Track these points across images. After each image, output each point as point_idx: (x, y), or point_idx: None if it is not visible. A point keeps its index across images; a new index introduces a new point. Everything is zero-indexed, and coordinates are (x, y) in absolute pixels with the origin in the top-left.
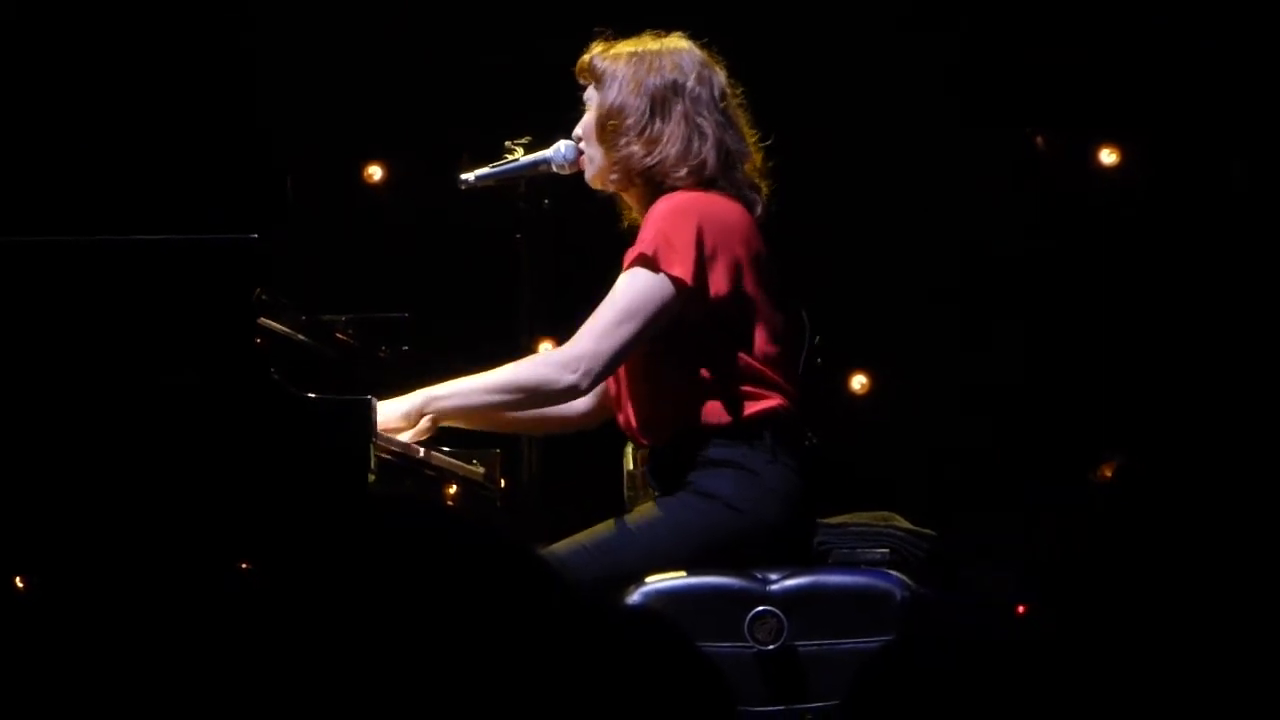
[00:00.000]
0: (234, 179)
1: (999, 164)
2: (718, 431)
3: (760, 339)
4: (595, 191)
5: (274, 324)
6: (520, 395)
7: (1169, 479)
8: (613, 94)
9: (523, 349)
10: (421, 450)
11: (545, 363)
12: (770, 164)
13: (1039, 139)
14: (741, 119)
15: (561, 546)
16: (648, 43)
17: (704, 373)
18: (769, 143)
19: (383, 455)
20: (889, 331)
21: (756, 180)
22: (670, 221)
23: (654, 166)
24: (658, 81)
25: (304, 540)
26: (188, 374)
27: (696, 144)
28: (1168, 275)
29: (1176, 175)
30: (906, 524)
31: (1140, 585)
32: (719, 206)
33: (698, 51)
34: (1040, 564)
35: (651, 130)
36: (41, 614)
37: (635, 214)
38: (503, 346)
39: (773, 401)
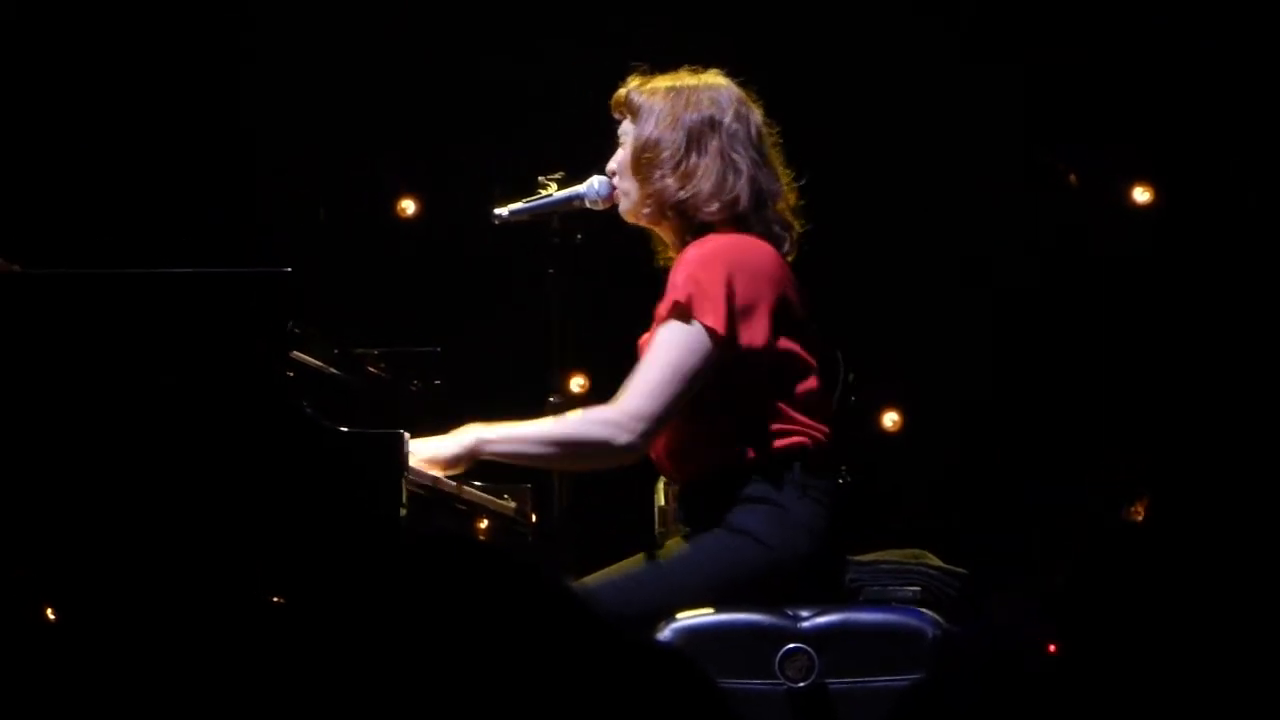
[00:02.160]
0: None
1: (1029, 201)
2: (748, 468)
3: (792, 378)
4: (628, 226)
5: (306, 357)
6: (572, 452)
7: (1201, 514)
8: (649, 127)
9: (554, 384)
10: (453, 484)
11: (600, 421)
12: (803, 202)
13: (1072, 176)
14: (776, 159)
15: (592, 581)
16: (685, 78)
17: (736, 411)
18: (802, 182)
19: (414, 489)
20: (920, 368)
21: (789, 219)
22: (702, 269)
23: (687, 200)
24: (695, 117)
25: (336, 574)
26: (220, 407)
27: (731, 179)
28: (1200, 306)
29: (1196, 202)
30: (938, 562)
31: (1172, 621)
32: (750, 250)
33: (735, 89)
34: (1069, 600)
35: (686, 164)
36: (72, 645)
37: (668, 251)
38: (534, 381)
39: (802, 438)
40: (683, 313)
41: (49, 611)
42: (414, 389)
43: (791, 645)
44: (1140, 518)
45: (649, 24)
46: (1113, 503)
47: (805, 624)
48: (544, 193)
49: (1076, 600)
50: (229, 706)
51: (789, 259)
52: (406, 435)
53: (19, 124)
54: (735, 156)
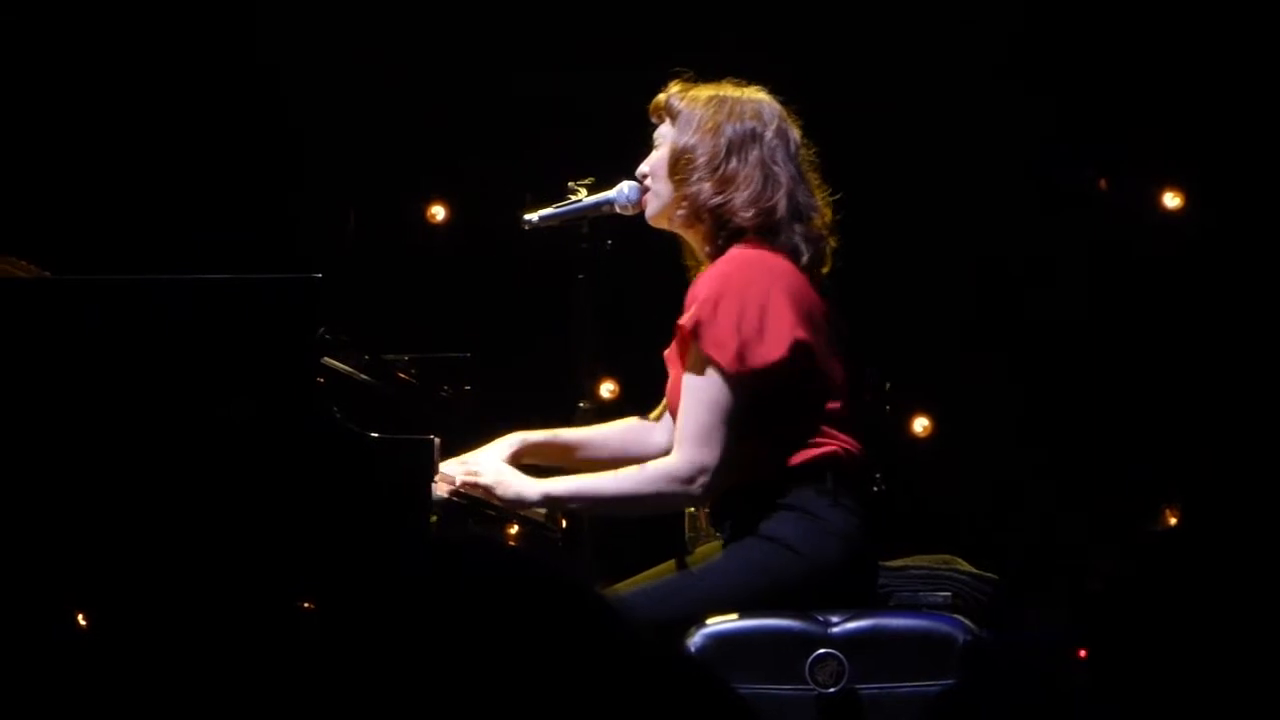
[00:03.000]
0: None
1: (1059, 208)
2: (781, 478)
3: (820, 392)
4: (658, 232)
5: (336, 363)
6: (640, 508)
7: (1230, 524)
8: (689, 132)
9: (583, 390)
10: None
11: (666, 478)
12: (839, 218)
13: (1102, 182)
14: (813, 178)
15: (623, 588)
16: (729, 90)
17: (767, 426)
18: (838, 196)
19: (444, 495)
20: (951, 375)
21: (824, 233)
22: (726, 302)
23: (722, 206)
24: (737, 127)
25: (366, 580)
26: (250, 413)
27: (769, 190)
28: (1230, 316)
29: (1235, 216)
30: (968, 567)
31: (1201, 629)
32: (765, 268)
33: (778, 106)
34: (1100, 606)
35: (725, 170)
36: (103, 651)
37: (695, 257)
38: (564, 387)
39: (833, 447)
40: (701, 358)
41: (80, 618)
42: (444, 395)
43: (822, 650)
44: (1171, 525)
45: (679, 35)
46: (1144, 510)
47: (835, 629)
48: (574, 198)
49: (1108, 606)
50: (258, 711)
51: (825, 271)
52: (436, 441)
53: (53, 131)
54: (775, 169)
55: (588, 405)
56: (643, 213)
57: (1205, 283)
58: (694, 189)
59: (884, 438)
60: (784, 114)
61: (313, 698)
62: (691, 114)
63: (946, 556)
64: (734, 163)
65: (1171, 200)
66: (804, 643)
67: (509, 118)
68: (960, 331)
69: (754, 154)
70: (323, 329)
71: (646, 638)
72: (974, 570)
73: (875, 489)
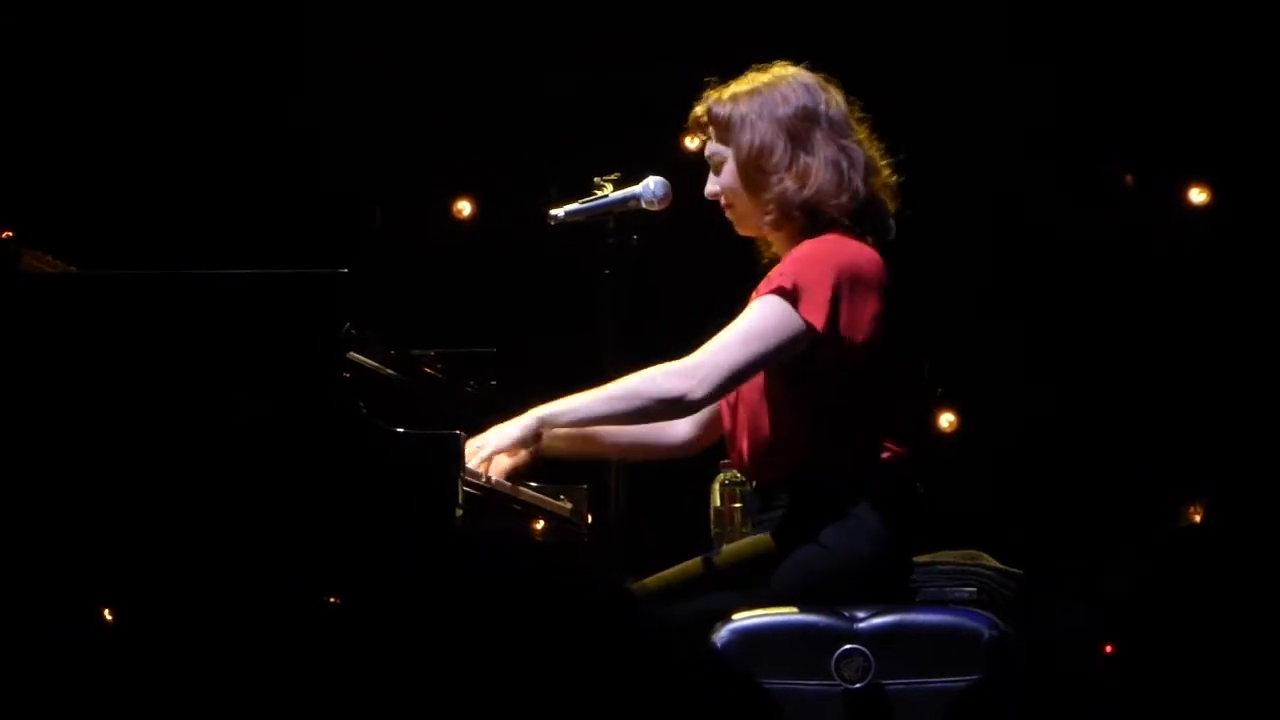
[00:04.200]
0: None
1: (1088, 201)
2: (829, 475)
3: (885, 389)
4: (684, 226)
5: (363, 358)
6: (636, 402)
7: (1257, 520)
8: (748, 136)
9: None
10: (509, 485)
11: (663, 372)
12: (900, 179)
13: (1128, 177)
14: (863, 133)
15: (650, 583)
16: (760, 78)
17: (826, 419)
18: (900, 157)
19: (470, 490)
20: (976, 370)
21: (887, 199)
22: (813, 265)
23: (811, 197)
24: (789, 112)
25: (392, 575)
26: (276, 408)
27: (846, 167)
28: (1257, 311)
29: (1264, 212)
30: (994, 562)
31: (1230, 625)
32: (860, 256)
33: (810, 75)
34: (1127, 602)
35: (799, 163)
36: (129, 645)
37: (776, 251)
38: (589, 383)
39: (886, 452)
40: (786, 295)
41: (106, 613)
42: (470, 390)
43: (848, 646)
44: (1199, 520)
45: (702, 31)
46: (1172, 504)
47: (861, 625)
48: (600, 194)
49: (1134, 601)
50: (284, 705)
51: (890, 238)
52: (462, 435)
53: (77, 125)
54: (844, 142)
55: None
56: (669, 209)
57: (1233, 277)
58: (778, 190)
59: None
60: (821, 82)
61: (337, 692)
62: (742, 117)
63: (972, 552)
64: (804, 154)
65: (1198, 196)
66: (830, 638)
67: (536, 113)
68: (986, 326)
69: (817, 135)
70: (349, 324)
71: (673, 633)
72: (1000, 565)
73: (918, 490)
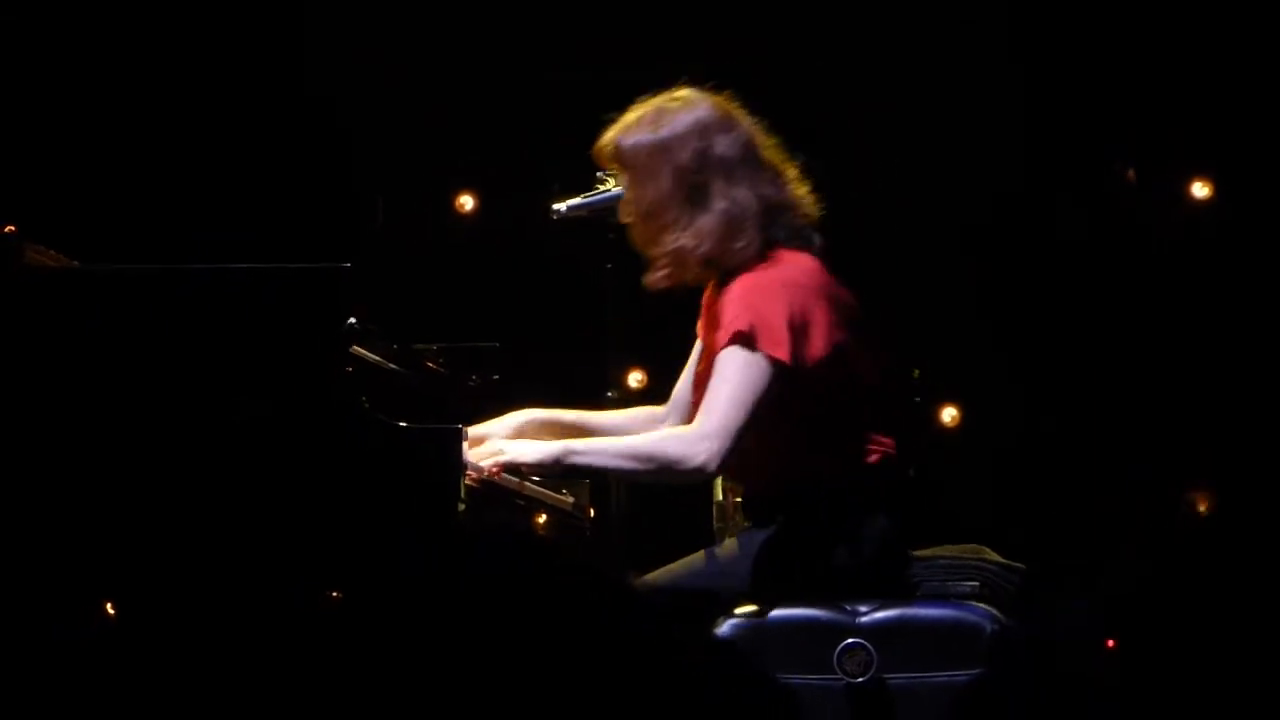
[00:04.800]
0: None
1: (1087, 197)
2: (815, 478)
3: (859, 388)
4: None
5: (365, 352)
6: (651, 466)
7: (1262, 510)
8: (647, 190)
9: (611, 379)
10: (514, 480)
11: (677, 438)
12: (814, 190)
13: (1130, 173)
14: (776, 155)
15: (652, 577)
16: (663, 115)
17: (807, 427)
18: (807, 161)
19: (473, 484)
20: (978, 364)
21: (809, 211)
22: (761, 300)
23: (708, 251)
24: (685, 159)
25: (395, 569)
26: (279, 402)
27: (741, 216)
28: (1261, 300)
29: (1255, 196)
30: (997, 557)
31: (1233, 618)
32: (796, 271)
33: (713, 104)
34: (1129, 596)
35: (693, 218)
36: (130, 639)
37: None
38: (592, 376)
39: (874, 448)
40: (747, 341)
41: (109, 607)
42: (472, 384)
43: (850, 640)
44: (1201, 513)
45: (696, 26)
46: (1173, 498)
47: (864, 619)
48: (602, 188)
49: (1137, 596)
50: (287, 697)
51: (815, 247)
52: (465, 430)
53: (80, 120)
54: (736, 190)
55: (615, 394)
56: None
57: (1235, 271)
58: (674, 247)
59: (916, 428)
60: (723, 113)
61: (339, 685)
62: (639, 166)
63: (975, 546)
64: (699, 208)
65: (1200, 190)
66: (833, 632)
67: (538, 107)
68: (988, 321)
69: (715, 183)
70: (351, 318)
71: (675, 625)
72: (1002, 560)
73: (909, 477)
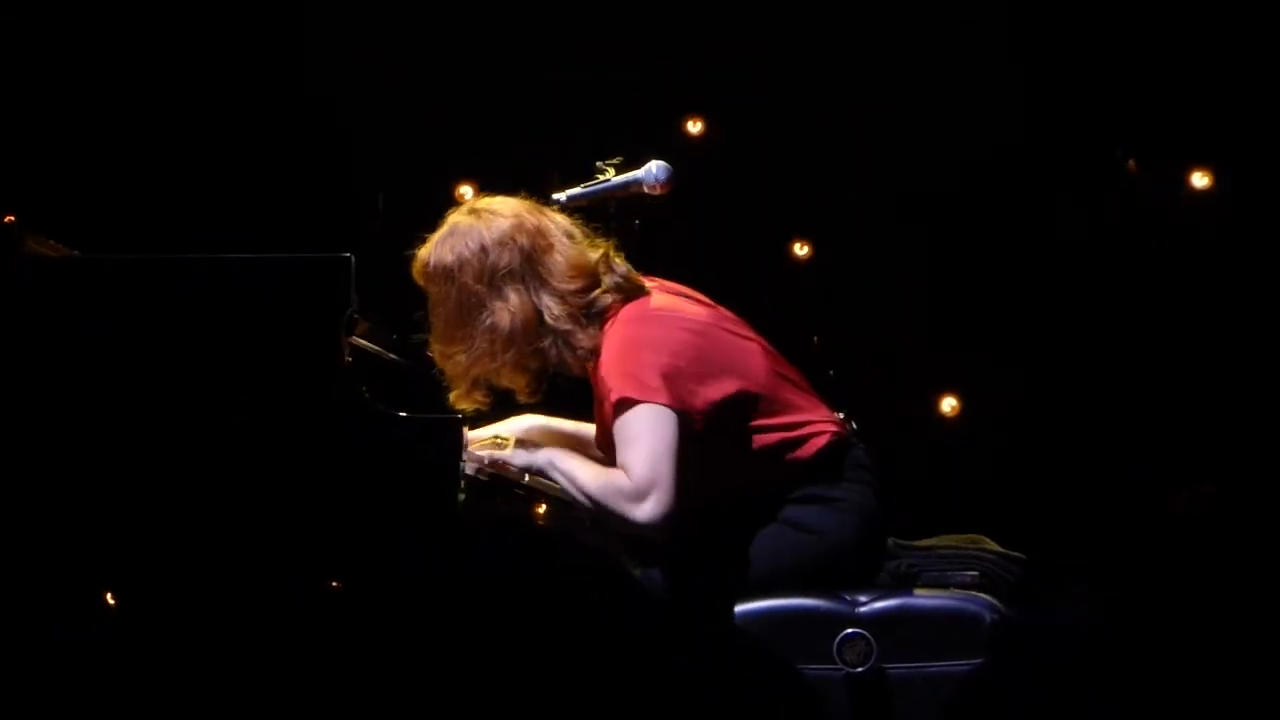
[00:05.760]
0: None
1: (1089, 187)
2: (783, 477)
3: (770, 382)
4: (685, 212)
5: (365, 343)
6: (598, 510)
7: (1262, 501)
8: (439, 312)
9: None
10: (513, 469)
11: (616, 491)
12: (621, 252)
13: (1131, 163)
14: (578, 230)
15: (651, 568)
16: (454, 233)
17: (735, 447)
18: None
19: (473, 474)
20: (979, 355)
21: (619, 266)
22: (628, 361)
23: (484, 369)
24: (467, 280)
25: (394, 558)
26: (280, 392)
27: (540, 323)
28: (1263, 295)
29: (1258, 186)
30: (996, 547)
31: (1235, 608)
32: (645, 320)
33: (506, 218)
34: (1130, 585)
35: (484, 341)
36: (131, 630)
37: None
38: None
39: (815, 431)
40: (633, 403)
41: (109, 598)
42: None
43: (850, 630)
44: (1203, 506)
45: (697, 26)
46: (1176, 491)
47: (863, 609)
48: (602, 178)
49: (1140, 585)
50: (285, 688)
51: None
52: (464, 420)
53: (80, 112)
54: (515, 301)
55: None
56: (671, 192)
57: (1238, 262)
58: (462, 365)
59: (891, 411)
60: (518, 217)
61: (339, 676)
62: (437, 292)
63: (974, 536)
64: (472, 325)
65: (1200, 180)
66: (832, 623)
67: (537, 99)
68: (990, 311)
69: (491, 300)
70: (352, 309)
71: (674, 616)
72: (1002, 550)
73: (863, 451)
